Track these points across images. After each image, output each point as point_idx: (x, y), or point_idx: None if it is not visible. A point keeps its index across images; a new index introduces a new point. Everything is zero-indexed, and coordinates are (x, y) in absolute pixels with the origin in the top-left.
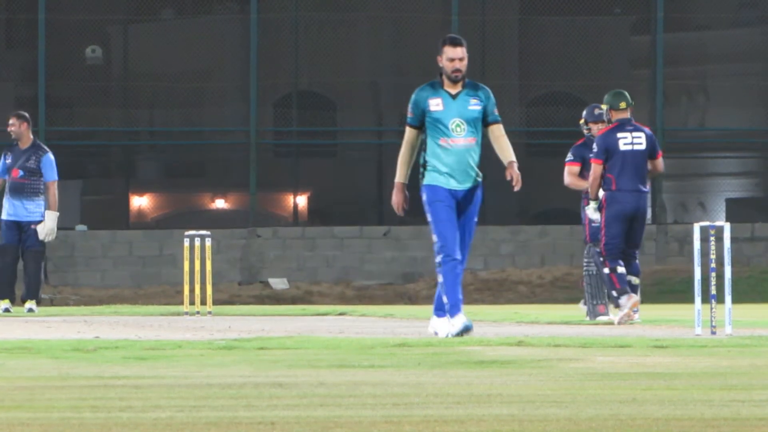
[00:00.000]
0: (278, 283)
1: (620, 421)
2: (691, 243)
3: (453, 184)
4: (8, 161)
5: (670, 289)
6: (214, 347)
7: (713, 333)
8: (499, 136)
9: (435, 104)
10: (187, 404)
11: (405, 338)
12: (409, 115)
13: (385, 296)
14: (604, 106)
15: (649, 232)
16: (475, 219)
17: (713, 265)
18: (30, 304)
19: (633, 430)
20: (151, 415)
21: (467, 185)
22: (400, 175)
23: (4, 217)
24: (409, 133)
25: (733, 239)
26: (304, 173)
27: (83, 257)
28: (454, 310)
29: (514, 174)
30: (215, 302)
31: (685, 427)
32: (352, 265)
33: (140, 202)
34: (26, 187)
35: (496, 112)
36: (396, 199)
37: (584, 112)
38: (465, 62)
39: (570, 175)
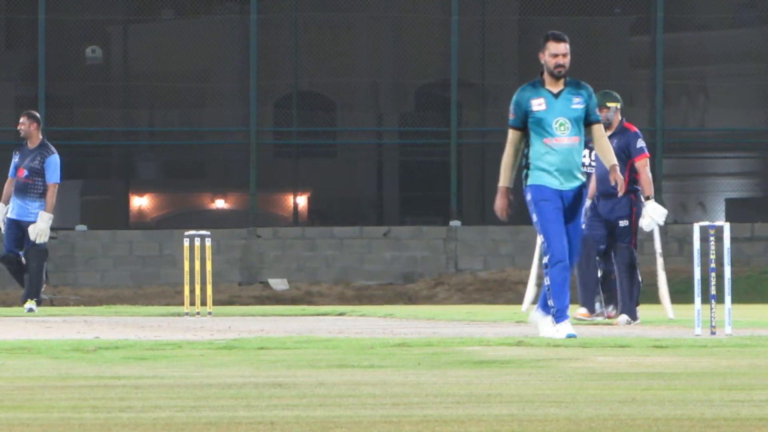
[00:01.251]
0: (278, 284)
1: (620, 421)
2: (690, 243)
3: (558, 185)
4: (16, 160)
5: (670, 289)
6: (214, 347)
7: (713, 333)
8: (599, 136)
9: (537, 104)
10: (187, 404)
11: (404, 338)
12: (511, 116)
13: (384, 296)
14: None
15: (648, 232)
16: (581, 220)
17: (713, 265)
18: (30, 304)
19: (633, 430)
20: (151, 415)
21: (572, 185)
22: (504, 179)
23: (9, 215)
24: (512, 134)
25: (732, 239)
26: (304, 173)
27: (83, 257)
28: (560, 317)
29: (618, 179)
30: (215, 303)
31: (685, 427)
32: (352, 265)
33: (140, 202)
34: (30, 187)
35: (598, 112)
36: (500, 203)
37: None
38: (568, 58)
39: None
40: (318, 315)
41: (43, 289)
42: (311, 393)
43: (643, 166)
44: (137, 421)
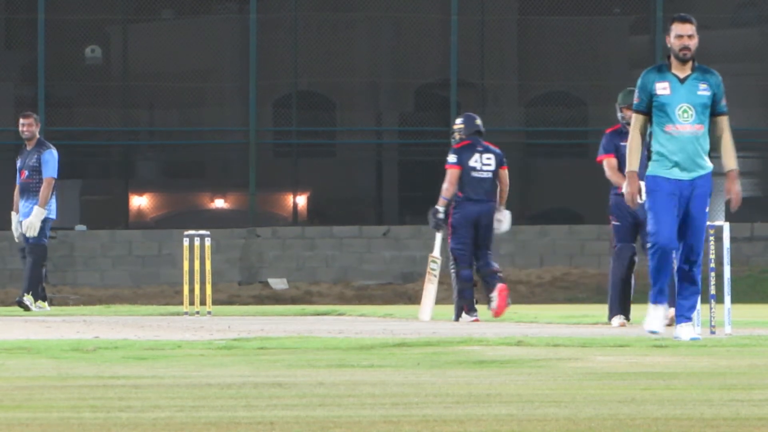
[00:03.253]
0: (278, 283)
1: (619, 420)
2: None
3: (677, 174)
4: (18, 164)
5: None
6: (214, 347)
7: (712, 333)
8: (723, 129)
9: (662, 88)
10: (186, 404)
11: (404, 338)
12: (636, 100)
13: (384, 296)
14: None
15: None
16: (705, 209)
17: (712, 264)
18: (25, 297)
19: (632, 430)
20: (151, 415)
21: (693, 175)
22: (632, 164)
23: (21, 219)
24: (636, 119)
25: (732, 239)
26: (303, 173)
27: (82, 257)
28: (655, 300)
29: (734, 193)
30: (215, 302)
31: (684, 427)
32: (352, 265)
33: (140, 201)
34: (31, 187)
35: (724, 103)
36: (630, 189)
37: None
38: (695, 41)
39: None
40: (318, 315)
41: (42, 289)
42: (311, 393)
43: None
44: (136, 420)
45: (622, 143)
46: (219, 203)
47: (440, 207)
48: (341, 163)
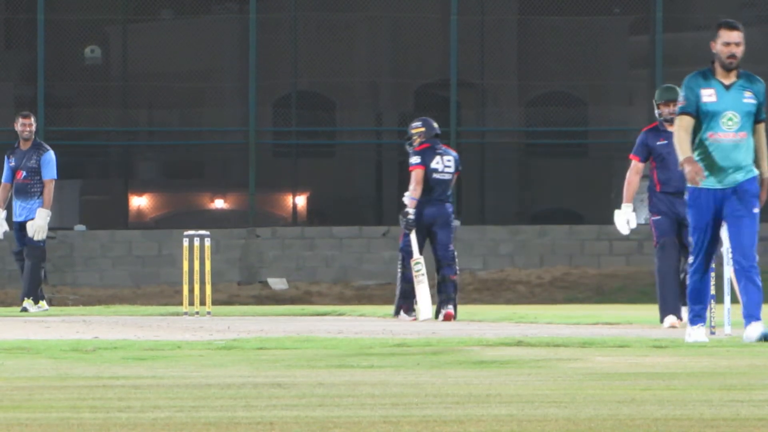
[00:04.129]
0: (277, 283)
1: (619, 421)
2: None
3: (714, 183)
4: (12, 164)
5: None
6: (213, 347)
7: (712, 333)
8: (761, 137)
9: (707, 95)
10: (186, 404)
11: (404, 338)
12: (682, 102)
13: (384, 296)
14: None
15: (648, 232)
16: (754, 210)
17: (712, 265)
18: (26, 303)
19: (632, 430)
20: (150, 415)
21: (733, 183)
22: (686, 150)
23: (16, 219)
24: (683, 120)
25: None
26: (303, 173)
27: (82, 257)
28: (692, 321)
29: (762, 201)
30: (214, 302)
31: (684, 427)
32: (351, 265)
33: (139, 202)
34: (30, 188)
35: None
36: (694, 167)
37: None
38: (741, 48)
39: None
40: (317, 315)
41: (41, 289)
42: (310, 393)
43: None
44: (136, 421)
45: (658, 143)
46: (219, 203)
47: (410, 209)
48: (341, 163)
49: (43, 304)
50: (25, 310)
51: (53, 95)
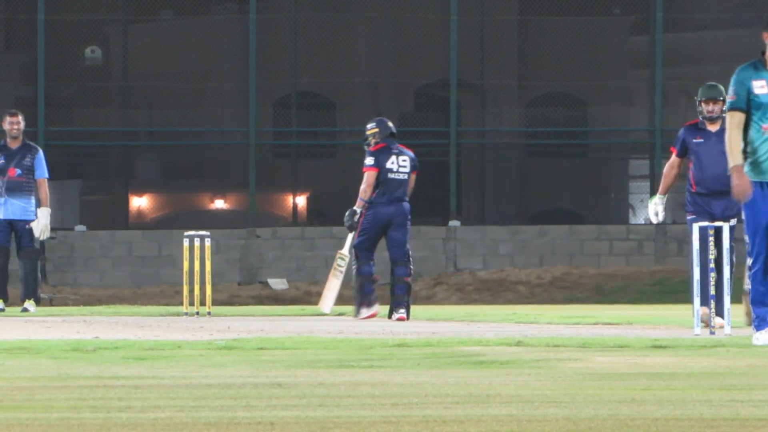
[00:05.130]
0: (277, 284)
1: (619, 421)
2: (690, 243)
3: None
4: (2, 161)
5: (670, 289)
6: (214, 347)
7: (712, 333)
8: None
9: (759, 86)
10: (186, 404)
11: (404, 338)
12: (731, 98)
13: (384, 296)
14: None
15: (648, 232)
16: None
17: (712, 265)
18: (27, 303)
19: (632, 430)
20: (151, 415)
21: None
22: (736, 159)
23: (3, 216)
24: (734, 116)
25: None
26: (303, 173)
27: (82, 257)
28: (758, 325)
29: None
30: (214, 302)
31: (684, 428)
32: (352, 265)
33: (139, 202)
34: (24, 186)
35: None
36: (743, 183)
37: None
38: None
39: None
40: (317, 315)
41: (40, 289)
42: (310, 393)
43: None
44: (136, 421)
45: (694, 140)
46: (219, 204)
47: (358, 209)
48: (341, 164)
49: (1, 302)
50: (26, 310)
51: (53, 95)
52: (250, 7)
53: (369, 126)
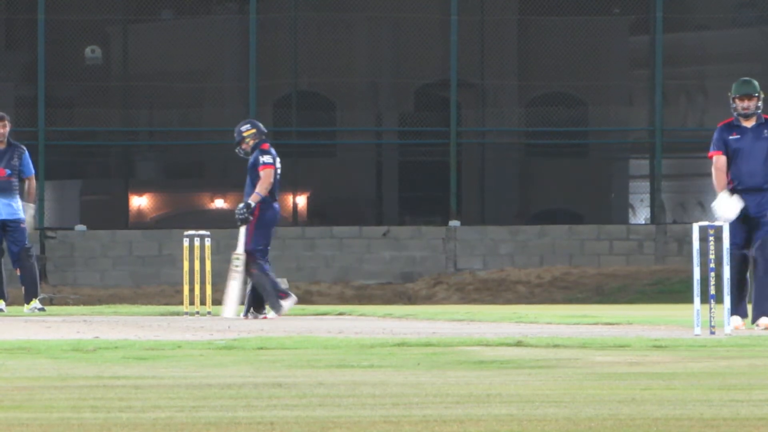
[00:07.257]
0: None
1: (619, 420)
2: (690, 243)
3: None
4: None
5: (670, 289)
6: (214, 347)
7: (712, 333)
8: None
9: None
10: (186, 404)
11: (404, 338)
12: None
13: (384, 296)
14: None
15: (648, 232)
16: None
17: (712, 265)
18: (35, 303)
19: (632, 430)
20: (151, 415)
21: None
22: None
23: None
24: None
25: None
26: (303, 173)
27: (82, 257)
28: None
29: None
30: (215, 302)
31: (684, 427)
32: (351, 265)
33: (139, 202)
34: (13, 186)
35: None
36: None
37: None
38: None
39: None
40: (318, 315)
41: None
42: (311, 393)
43: None
44: (137, 421)
45: (730, 137)
46: (219, 203)
47: (253, 203)
48: (341, 164)
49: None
50: (42, 310)
51: (53, 95)
52: (250, 7)
53: (243, 128)
